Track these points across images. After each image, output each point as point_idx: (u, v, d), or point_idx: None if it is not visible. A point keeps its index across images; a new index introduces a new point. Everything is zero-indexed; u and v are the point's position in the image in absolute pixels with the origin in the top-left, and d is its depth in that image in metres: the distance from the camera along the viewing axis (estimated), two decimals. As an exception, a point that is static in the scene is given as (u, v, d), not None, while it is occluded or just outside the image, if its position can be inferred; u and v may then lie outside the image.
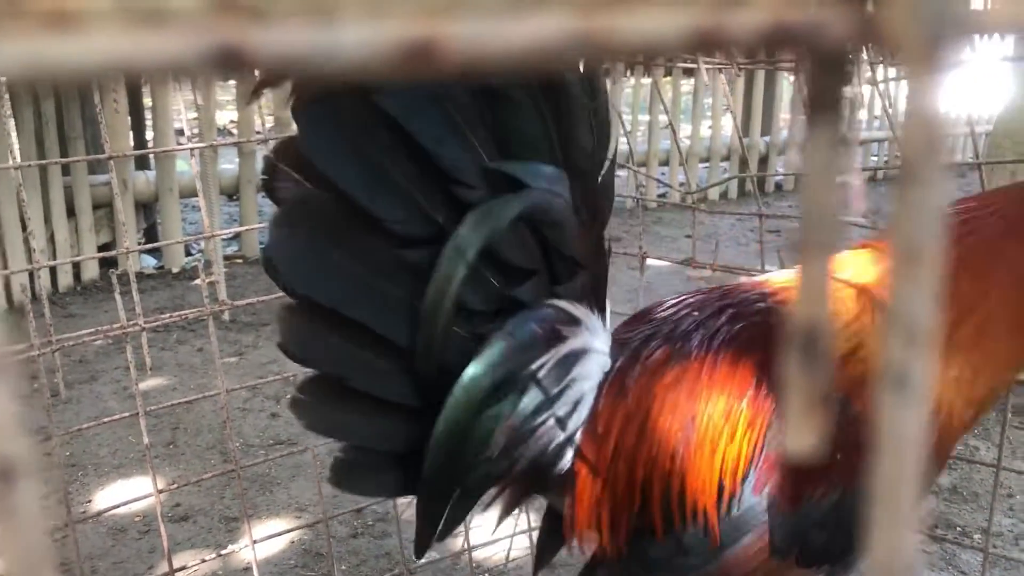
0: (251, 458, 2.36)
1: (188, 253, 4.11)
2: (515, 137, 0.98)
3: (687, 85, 5.85)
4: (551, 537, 1.20)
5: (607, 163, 1.07)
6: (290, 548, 1.97)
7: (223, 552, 1.59)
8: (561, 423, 1.06)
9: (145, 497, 1.60)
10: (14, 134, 1.72)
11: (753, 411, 1.03)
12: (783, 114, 5.97)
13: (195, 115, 4.14)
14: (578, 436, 1.08)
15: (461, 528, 1.88)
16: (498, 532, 1.96)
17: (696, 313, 1.12)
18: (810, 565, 1.05)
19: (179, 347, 3.15)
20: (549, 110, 0.98)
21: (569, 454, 1.08)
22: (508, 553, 1.94)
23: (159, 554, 1.89)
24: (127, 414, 1.57)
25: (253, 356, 3.04)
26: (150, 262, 4.03)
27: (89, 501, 2.18)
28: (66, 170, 3.70)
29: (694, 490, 1.03)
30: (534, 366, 1.03)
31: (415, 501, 2.22)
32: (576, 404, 1.07)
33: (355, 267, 0.95)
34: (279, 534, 1.79)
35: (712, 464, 1.03)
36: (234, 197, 4.98)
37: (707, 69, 1.61)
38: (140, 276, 3.85)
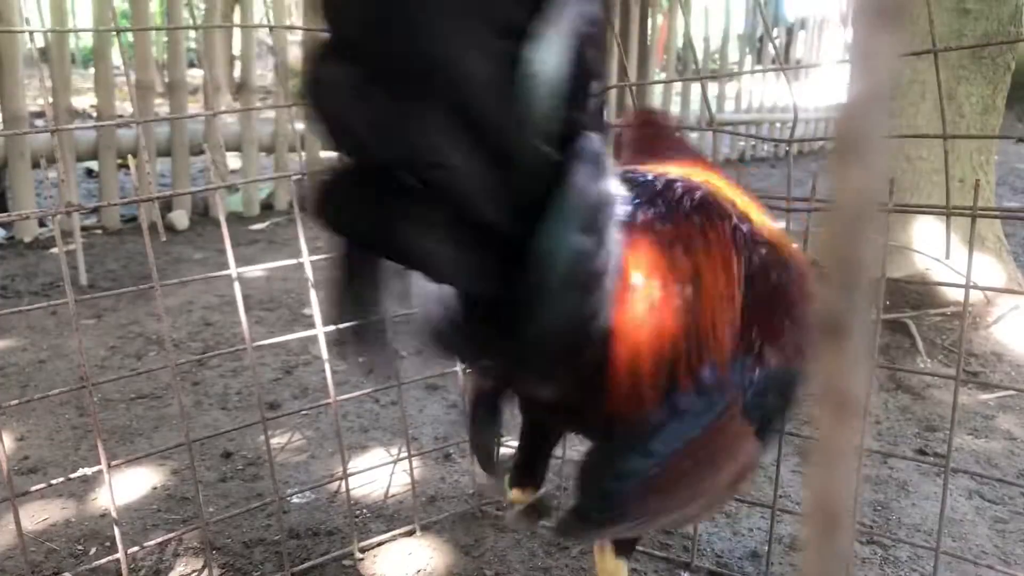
0: (111, 412, 2.21)
1: (42, 224, 3.84)
2: None
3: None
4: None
5: None
6: (153, 494, 1.84)
7: (72, 476, 1.45)
8: (606, 275, 0.91)
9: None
10: None
11: (731, 275, 1.02)
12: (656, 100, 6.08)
13: (51, 99, 3.87)
14: (612, 291, 0.95)
15: (338, 464, 1.79)
16: (379, 469, 1.90)
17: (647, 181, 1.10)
18: (760, 434, 1.05)
19: (31, 311, 2.92)
20: None
21: (609, 311, 0.95)
22: (388, 488, 1.87)
23: (4, 506, 1.73)
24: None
25: (112, 318, 2.85)
26: (-2, 232, 3.76)
27: (-76, 458, 1.98)
28: (-99, 130, 3.41)
29: (710, 346, 1.00)
30: (601, 196, 0.89)
31: (288, 442, 2.10)
32: (614, 252, 0.94)
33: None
34: (139, 457, 1.66)
35: (722, 318, 1.01)
36: (93, 174, 4.73)
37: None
38: (-13, 245, 3.59)
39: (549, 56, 0.82)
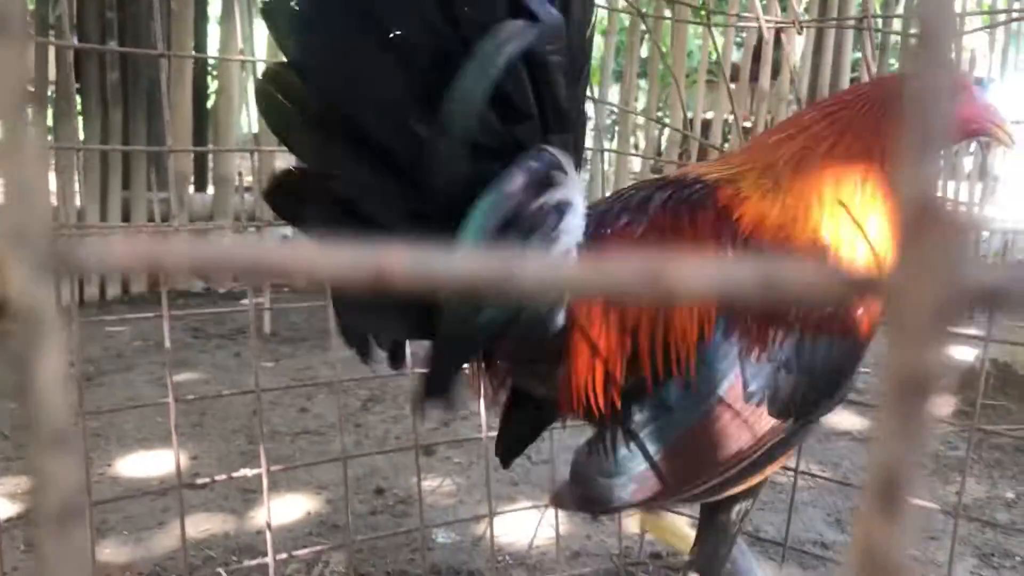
0: (277, 443, 2.30)
1: (235, 278, 4.13)
2: None
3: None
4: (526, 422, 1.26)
5: (590, 25, 1.08)
6: (306, 519, 1.90)
7: (234, 475, 1.52)
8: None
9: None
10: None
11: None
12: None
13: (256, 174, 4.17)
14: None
15: (486, 514, 1.79)
16: (524, 522, 1.88)
17: (640, 192, 1.16)
18: (780, 414, 1.06)
19: (217, 351, 3.13)
20: None
21: (561, 312, 1.08)
22: (532, 539, 1.84)
23: (172, 513, 1.83)
24: (160, 400, 1.53)
25: (289, 363, 3.01)
26: (198, 283, 4.06)
27: (109, 465, 2.13)
28: (125, 184, 3.78)
29: (676, 337, 1.05)
30: (532, 207, 1.02)
31: (439, 485, 2.13)
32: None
33: (368, 72, 0.93)
34: (297, 467, 1.71)
35: (689, 310, 1.05)
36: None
37: (768, 28, 1.58)
38: (187, 294, 3.88)
39: (470, 82, 0.93)
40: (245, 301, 3.81)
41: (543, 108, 1.03)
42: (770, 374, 1.04)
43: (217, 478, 1.51)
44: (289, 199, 1.01)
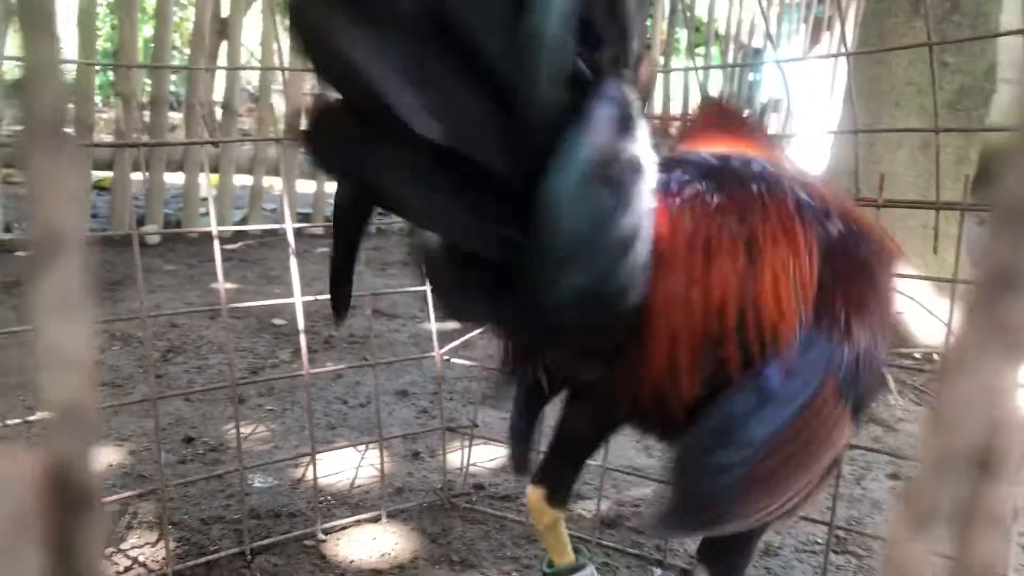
0: (67, 396, 2.13)
1: (7, 230, 3.77)
2: None
3: None
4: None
5: None
6: (108, 471, 1.77)
7: (29, 419, 1.39)
8: (629, 239, 0.82)
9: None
10: None
11: (796, 246, 0.90)
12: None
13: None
14: (644, 259, 0.84)
15: (307, 454, 1.73)
16: (344, 463, 1.85)
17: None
18: (854, 415, 0.93)
19: (-9, 306, 2.85)
20: None
21: (638, 281, 0.84)
22: (354, 479, 1.81)
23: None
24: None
25: (76, 316, 2.78)
26: (-36, 235, 3.67)
27: None
28: None
29: (771, 318, 0.88)
30: (621, 160, 0.80)
31: (253, 432, 2.04)
32: (642, 219, 0.83)
33: None
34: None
35: (785, 288, 0.88)
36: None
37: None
38: (-50, 245, 3.50)
39: None
40: (19, 253, 3.51)
41: (615, 39, 0.82)
42: (852, 368, 0.90)
43: (9, 422, 1.38)
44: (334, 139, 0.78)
